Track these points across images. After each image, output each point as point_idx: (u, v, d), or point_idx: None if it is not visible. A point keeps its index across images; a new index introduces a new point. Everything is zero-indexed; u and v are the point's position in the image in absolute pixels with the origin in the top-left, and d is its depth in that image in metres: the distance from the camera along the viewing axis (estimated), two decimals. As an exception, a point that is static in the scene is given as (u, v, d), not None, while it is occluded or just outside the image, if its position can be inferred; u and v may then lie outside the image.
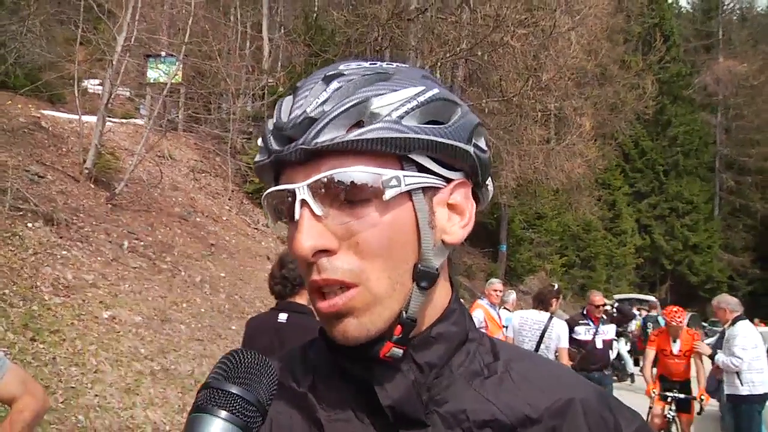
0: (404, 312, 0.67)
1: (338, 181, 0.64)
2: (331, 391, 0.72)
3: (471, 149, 0.70)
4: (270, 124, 0.69)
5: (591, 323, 7.00)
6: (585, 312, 7.18)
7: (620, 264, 29.73)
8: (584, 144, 16.61)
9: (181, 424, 4.15)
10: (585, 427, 0.71)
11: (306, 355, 0.78)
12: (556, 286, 6.88)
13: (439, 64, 12.90)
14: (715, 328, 20.66)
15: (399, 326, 0.67)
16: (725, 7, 47.60)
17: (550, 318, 6.21)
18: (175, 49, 12.11)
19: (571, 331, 6.65)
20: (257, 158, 0.71)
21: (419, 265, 0.68)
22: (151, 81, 12.58)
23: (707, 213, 37.92)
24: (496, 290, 7.11)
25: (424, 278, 0.68)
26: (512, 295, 8.55)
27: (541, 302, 6.39)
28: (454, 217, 0.71)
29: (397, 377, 0.68)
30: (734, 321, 5.92)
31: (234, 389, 0.61)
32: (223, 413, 0.60)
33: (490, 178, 0.78)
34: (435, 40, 13.33)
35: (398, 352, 0.67)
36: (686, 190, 36.26)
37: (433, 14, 12.96)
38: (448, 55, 12.83)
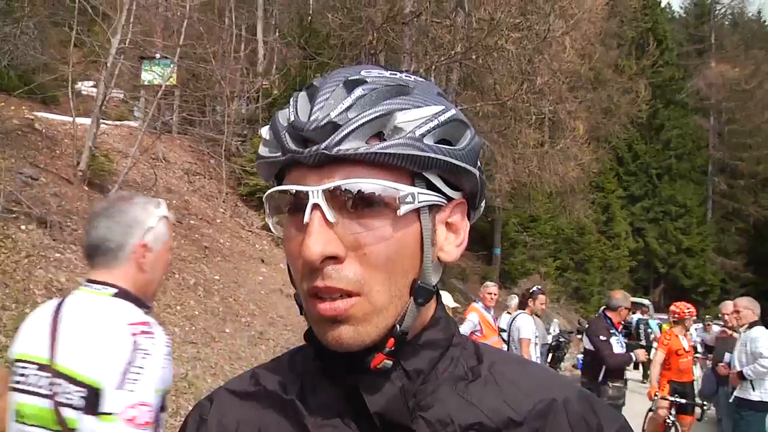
0: (398, 325, 0.68)
1: (355, 190, 0.64)
2: (318, 397, 0.73)
3: (477, 173, 0.71)
4: (283, 119, 0.69)
5: (617, 333, 6.34)
6: (609, 319, 6.34)
7: (614, 267, 29.76)
8: (578, 147, 16.66)
9: (174, 428, 4.13)
10: (567, 427, 0.72)
11: (294, 362, 0.79)
12: (534, 288, 7.36)
13: (433, 67, 12.92)
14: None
15: (392, 339, 0.68)
16: (717, 12, 47.85)
17: (516, 315, 7.01)
18: (170, 51, 12.07)
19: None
20: (265, 152, 0.70)
21: (419, 282, 0.69)
22: (146, 83, 12.53)
23: (700, 216, 38.08)
24: (490, 293, 7.11)
25: (422, 295, 0.69)
26: (514, 300, 8.68)
27: (521, 304, 7.25)
28: (450, 236, 0.73)
29: (385, 384, 0.69)
30: (751, 325, 5.86)
31: None
32: None
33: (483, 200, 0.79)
34: (429, 44, 13.36)
35: (388, 363, 0.68)
36: (679, 194, 36.38)
37: (428, 18, 12.98)
38: (442, 58, 12.85)
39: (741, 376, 5.64)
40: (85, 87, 13.47)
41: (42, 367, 1.59)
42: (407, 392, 0.69)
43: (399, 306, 0.68)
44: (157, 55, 12.38)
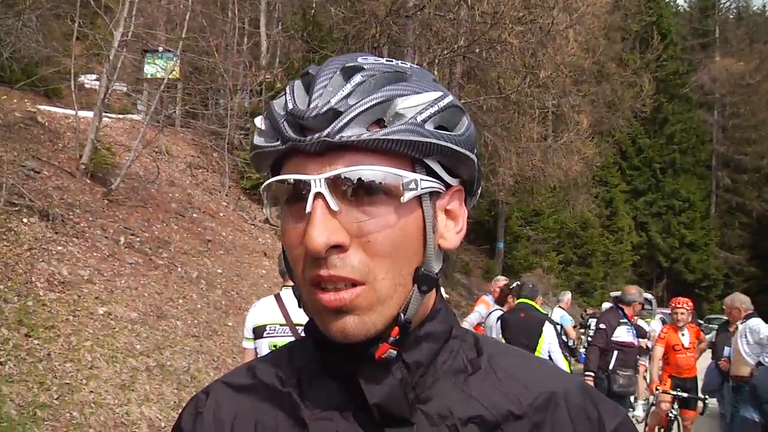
0: (402, 314, 0.67)
1: (357, 178, 0.63)
2: (316, 390, 0.72)
3: (475, 159, 0.71)
4: (279, 108, 0.68)
5: (629, 322, 6.63)
6: (622, 310, 6.67)
7: (617, 261, 29.76)
8: (581, 141, 16.62)
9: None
10: (568, 420, 0.71)
11: (292, 356, 0.78)
12: (514, 285, 7.22)
13: (437, 61, 12.88)
14: (711, 326, 20.71)
15: (396, 328, 0.67)
16: (722, 5, 47.66)
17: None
18: (173, 44, 12.05)
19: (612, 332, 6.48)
20: (261, 142, 0.69)
21: (422, 269, 0.68)
22: (148, 76, 12.52)
23: (703, 211, 38.02)
24: (501, 287, 7.17)
25: (425, 282, 0.68)
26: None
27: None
28: (449, 223, 0.72)
29: (384, 376, 0.68)
30: (747, 317, 5.99)
31: None
32: None
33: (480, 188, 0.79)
34: (433, 37, 13.31)
35: (393, 353, 0.68)
36: (683, 188, 36.34)
37: (431, 11, 12.92)
38: (445, 52, 12.82)
39: (759, 365, 5.64)
40: (88, 80, 13.45)
41: (282, 325, 3.49)
42: (406, 384, 0.69)
43: (403, 294, 0.67)
44: (160, 48, 12.38)
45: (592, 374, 6.21)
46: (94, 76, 13.14)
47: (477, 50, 12.91)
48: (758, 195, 39.35)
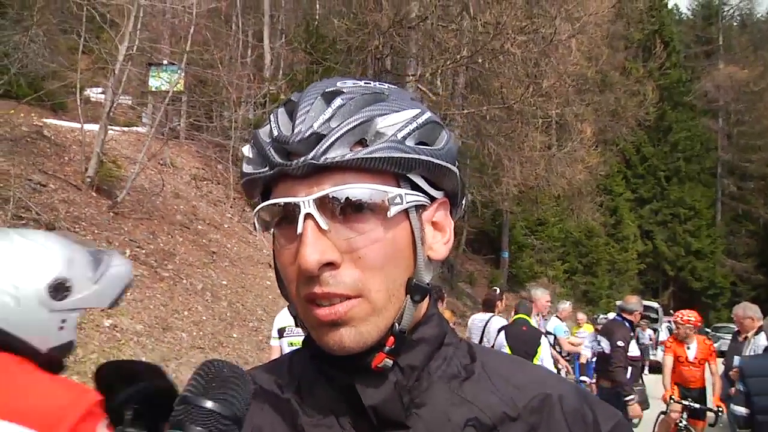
0: (397, 324, 0.69)
1: (345, 197, 0.65)
2: (314, 397, 0.73)
3: (457, 172, 0.73)
4: (265, 136, 0.71)
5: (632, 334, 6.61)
6: (630, 322, 6.61)
7: (622, 270, 29.65)
8: (585, 150, 16.63)
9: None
10: (563, 422, 0.72)
11: (291, 364, 0.79)
12: (498, 290, 7.50)
13: (440, 71, 12.93)
14: (718, 334, 20.56)
15: (392, 337, 0.69)
16: (725, 13, 47.66)
17: (491, 317, 6.78)
18: (177, 57, 12.13)
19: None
20: (249, 170, 0.72)
21: (413, 280, 0.70)
22: (153, 89, 12.58)
23: (709, 219, 37.83)
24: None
25: (417, 292, 0.70)
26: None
27: (487, 306, 7.02)
28: (436, 234, 0.74)
29: (380, 379, 0.70)
30: (759, 330, 5.89)
31: (209, 405, 0.60)
32: (198, 429, 0.59)
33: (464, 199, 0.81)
34: (435, 48, 13.37)
35: (389, 362, 0.69)
36: (688, 196, 36.19)
37: (434, 22, 12.99)
38: (448, 62, 12.87)
39: None
40: (94, 93, 13.54)
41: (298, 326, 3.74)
42: (401, 388, 0.70)
43: (397, 305, 0.69)
44: (165, 62, 12.44)
45: (633, 397, 6.15)
46: (99, 90, 13.23)
47: (480, 60, 12.96)
48: (764, 202, 39.16)
